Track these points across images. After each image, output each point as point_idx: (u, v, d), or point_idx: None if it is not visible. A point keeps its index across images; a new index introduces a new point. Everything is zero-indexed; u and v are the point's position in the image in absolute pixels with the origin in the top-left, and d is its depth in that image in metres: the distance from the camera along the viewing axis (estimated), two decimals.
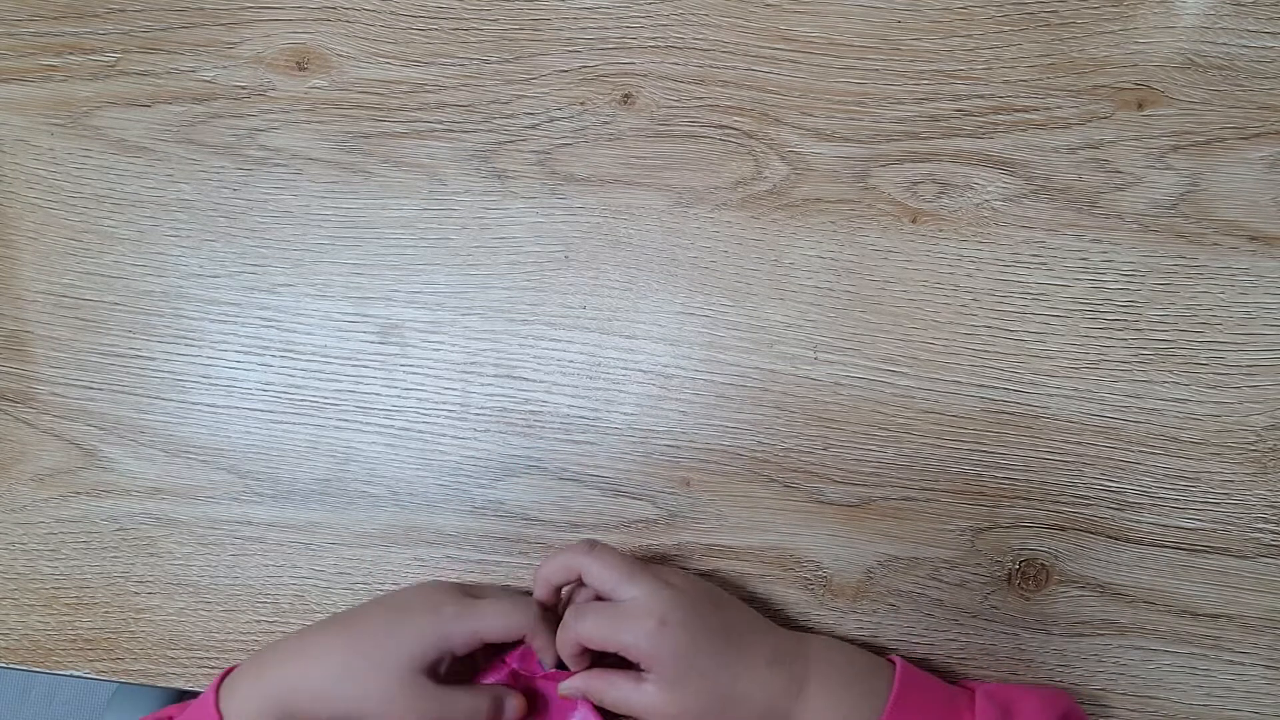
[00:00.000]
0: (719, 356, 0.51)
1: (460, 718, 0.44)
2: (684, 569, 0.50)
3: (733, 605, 0.47)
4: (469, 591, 0.47)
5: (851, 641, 0.49)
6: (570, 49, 0.52)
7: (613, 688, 0.44)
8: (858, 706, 0.43)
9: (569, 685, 0.45)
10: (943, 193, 0.50)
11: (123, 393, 0.54)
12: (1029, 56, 0.50)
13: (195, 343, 0.53)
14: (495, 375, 0.52)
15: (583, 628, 0.44)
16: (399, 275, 0.53)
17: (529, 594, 0.48)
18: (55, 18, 0.55)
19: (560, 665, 0.47)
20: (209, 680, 0.51)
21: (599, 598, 0.46)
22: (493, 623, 0.45)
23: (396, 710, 0.43)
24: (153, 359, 0.54)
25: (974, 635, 0.49)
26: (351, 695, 0.43)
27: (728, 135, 0.51)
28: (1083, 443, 0.49)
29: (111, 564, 0.53)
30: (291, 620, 0.52)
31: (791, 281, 0.51)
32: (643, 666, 0.43)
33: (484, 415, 0.52)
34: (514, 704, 0.46)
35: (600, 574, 0.44)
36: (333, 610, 0.52)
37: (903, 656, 0.47)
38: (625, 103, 0.52)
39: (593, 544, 0.46)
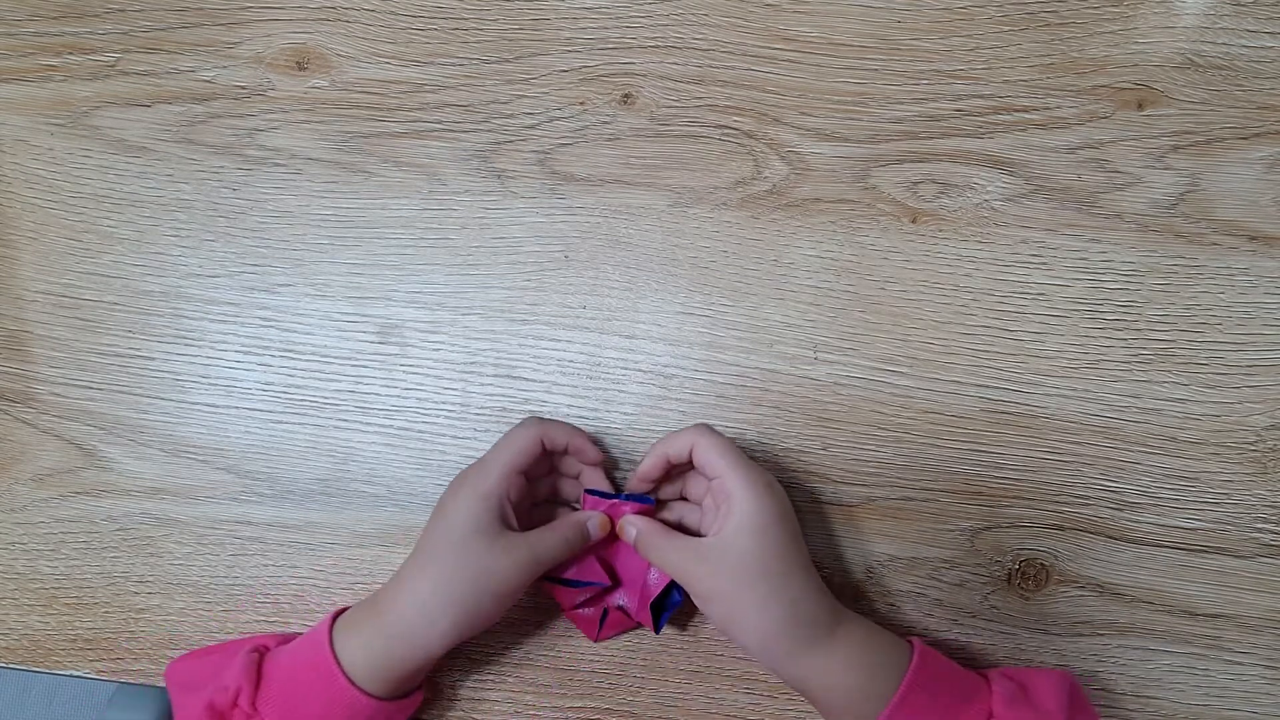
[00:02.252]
0: (719, 356, 0.51)
1: (553, 554, 0.45)
2: None
3: (805, 545, 0.46)
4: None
5: None
6: (570, 49, 0.52)
7: (671, 534, 0.45)
8: (878, 671, 0.42)
9: (628, 521, 0.46)
10: (943, 193, 0.50)
11: (122, 393, 0.54)
12: (1029, 56, 0.50)
13: (195, 343, 0.53)
14: (495, 375, 0.52)
15: (707, 438, 0.45)
16: (399, 275, 0.53)
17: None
18: (55, 18, 0.55)
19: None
20: None
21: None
22: (510, 446, 0.46)
23: (495, 575, 0.43)
24: (152, 359, 0.54)
25: (974, 635, 0.49)
26: (456, 593, 0.43)
27: (727, 135, 0.51)
28: (1082, 443, 0.49)
29: (111, 564, 0.53)
30: (291, 620, 0.52)
31: (791, 281, 0.51)
32: (724, 506, 0.43)
33: (484, 415, 0.52)
34: (597, 522, 0.47)
35: (709, 446, 0.45)
36: (330, 609, 0.52)
37: None
38: (625, 103, 0.52)
39: (708, 427, 0.46)
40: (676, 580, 0.45)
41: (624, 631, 0.50)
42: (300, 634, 0.47)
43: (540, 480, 0.49)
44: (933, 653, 0.44)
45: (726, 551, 0.42)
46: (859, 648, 0.43)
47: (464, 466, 0.52)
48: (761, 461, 0.50)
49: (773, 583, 0.42)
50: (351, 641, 0.44)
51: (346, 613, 0.46)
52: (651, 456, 0.47)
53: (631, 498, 0.48)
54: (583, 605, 0.48)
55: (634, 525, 0.46)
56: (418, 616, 0.43)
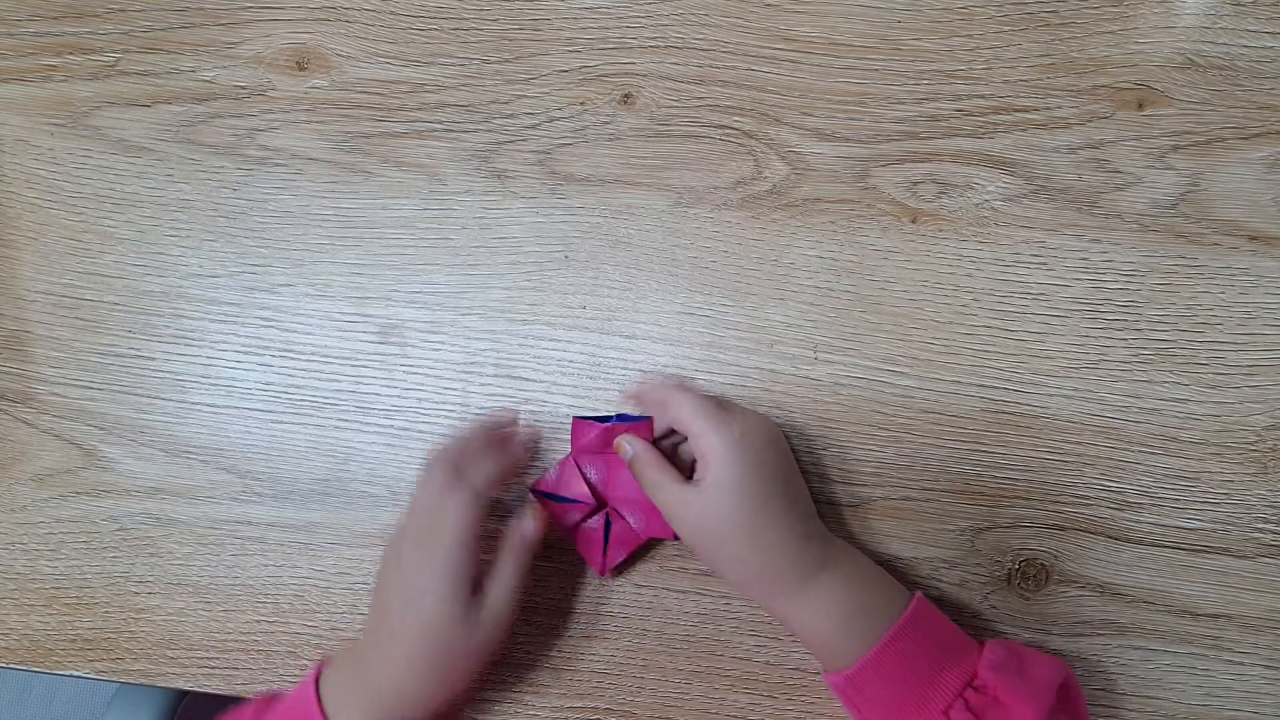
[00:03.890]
0: (719, 356, 0.51)
1: (510, 589, 0.44)
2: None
3: (799, 476, 0.47)
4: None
5: None
6: (570, 49, 0.52)
7: (661, 470, 0.45)
8: (863, 615, 0.43)
9: (626, 440, 0.47)
10: (943, 193, 0.50)
11: (123, 393, 0.54)
12: (1029, 56, 0.50)
13: (195, 343, 0.53)
14: (495, 375, 0.52)
15: (680, 395, 0.46)
16: (399, 275, 0.53)
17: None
18: (55, 18, 0.55)
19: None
20: (209, 680, 0.51)
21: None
22: (456, 525, 0.44)
23: (466, 648, 0.43)
24: (153, 359, 0.54)
25: (974, 635, 0.49)
26: (431, 673, 0.43)
27: (728, 135, 0.51)
28: (1083, 443, 0.49)
29: (111, 564, 0.53)
30: (291, 620, 0.52)
31: (791, 281, 0.51)
32: (699, 465, 0.44)
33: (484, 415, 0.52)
34: (530, 523, 0.46)
35: (685, 405, 0.45)
36: (332, 610, 0.52)
37: None
38: (625, 103, 0.52)
39: (679, 388, 0.47)
40: (670, 506, 0.45)
41: (631, 554, 0.49)
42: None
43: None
44: (929, 610, 0.44)
45: (704, 506, 0.43)
46: (842, 593, 0.43)
47: None
48: None
49: (747, 536, 0.43)
50: (336, 697, 0.44)
51: (331, 666, 0.45)
52: (629, 393, 0.49)
53: (624, 418, 0.48)
54: (583, 520, 0.49)
55: (630, 446, 0.47)
56: (395, 691, 0.43)
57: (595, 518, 0.48)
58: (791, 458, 0.47)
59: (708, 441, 0.44)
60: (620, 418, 0.48)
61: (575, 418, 0.49)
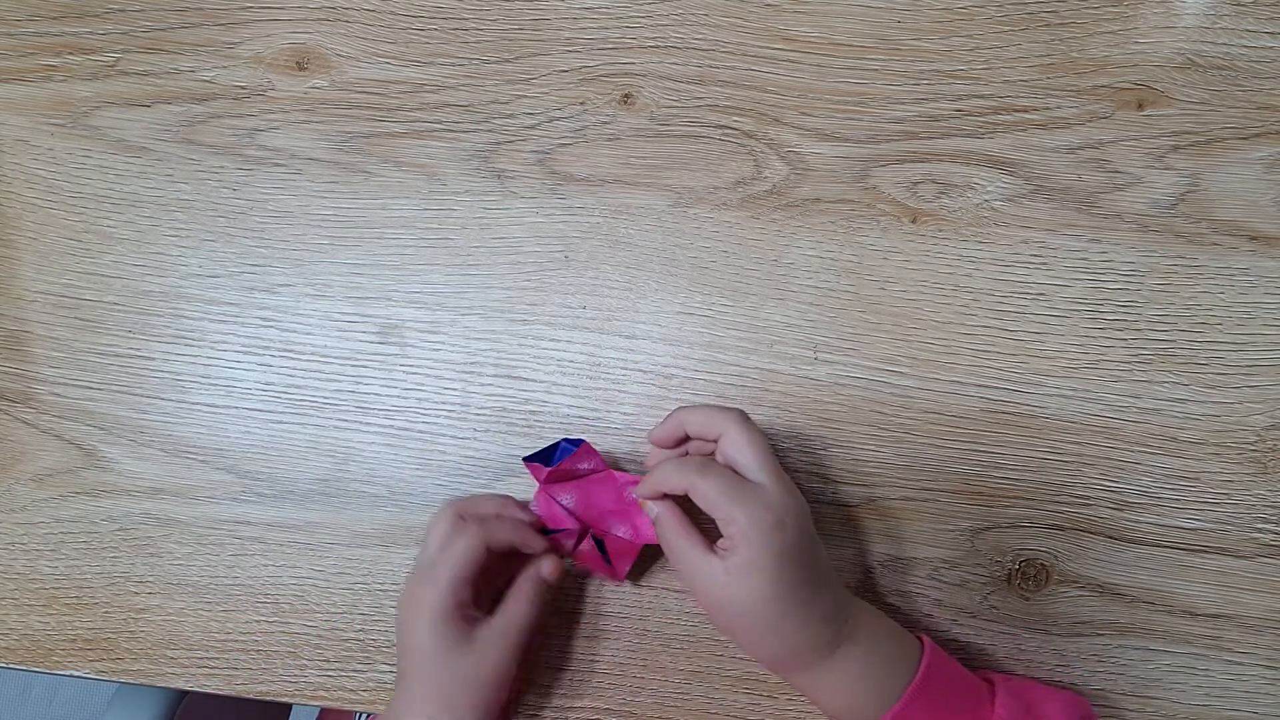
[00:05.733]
0: (719, 356, 0.51)
1: (524, 619, 0.45)
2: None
3: (820, 548, 0.44)
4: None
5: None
6: (570, 49, 0.52)
7: (684, 537, 0.43)
8: (880, 681, 0.42)
9: (652, 502, 0.45)
10: (943, 193, 0.50)
11: (122, 393, 0.54)
12: (1029, 56, 0.50)
13: (195, 343, 0.53)
14: (495, 375, 0.52)
15: (704, 482, 0.42)
16: (399, 275, 0.53)
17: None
18: (55, 18, 0.55)
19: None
20: (209, 680, 0.51)
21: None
22: (453, 560, 0.45)
23: (482, 671, 0.44)
24: (152, 359, 0.54)
25: (974, 635, 0.49)
26: (460, 703, 0.43)
27: (728, 135, 0.51)
28: (1082, 443, 0.49)
29: (111, 564, 0.53)
30: (291, 620, 0.52)
31: (791, 281, 0.51)
32: (729, 545, 0.42)
33: (484, 415, 0.52)
34: (548, 566, 0.47)
35: (740, 446, 0.43)
36: (332, 610, 0.52)
37: None
38: (625, 103, 0.52)
39: (744, 417, 0.44)
40: (691, 577, 0.44)
41: (638, 556, 0.48)
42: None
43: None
44: (939, 663, 0.43)
45: (728, 586, 0.41)
46: (859, 664, 0.42)
47: (463, 466, 0.52)
48: None
49: (771, 623, 0.41)
50: None
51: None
52: (670, 422, 0.45)
53: (564, 451, 0.48)
54: (577, 546, 0.48)
55: (655, 506, 0.45)
56: None
57: (585, 541, 0.48)
58: (813, 530, 0.44)
59: (739, 527, 0.41)
60: (562, 447, 0.48)
61: (524, 459, 0.48)
